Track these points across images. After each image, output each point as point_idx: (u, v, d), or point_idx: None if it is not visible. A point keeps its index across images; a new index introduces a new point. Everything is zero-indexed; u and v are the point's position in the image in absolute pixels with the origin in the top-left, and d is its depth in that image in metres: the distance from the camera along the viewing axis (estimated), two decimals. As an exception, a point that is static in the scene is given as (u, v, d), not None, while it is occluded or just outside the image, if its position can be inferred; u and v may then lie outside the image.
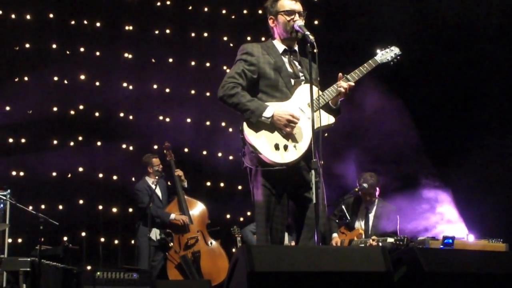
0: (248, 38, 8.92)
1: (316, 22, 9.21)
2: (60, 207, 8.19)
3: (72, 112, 8.52)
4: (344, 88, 3.93)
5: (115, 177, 8.57)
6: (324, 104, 3.95)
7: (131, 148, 8.73)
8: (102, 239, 8.41)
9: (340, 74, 3.98)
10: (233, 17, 9.50)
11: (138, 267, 6.84)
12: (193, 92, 9.21)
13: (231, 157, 8.96)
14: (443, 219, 7.22)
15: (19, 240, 7.78)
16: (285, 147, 3.81)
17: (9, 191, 7.00)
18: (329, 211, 6.89)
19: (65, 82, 8.57)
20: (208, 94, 9.03)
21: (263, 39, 6.06)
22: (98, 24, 8.79)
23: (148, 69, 8.94)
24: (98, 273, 5.94)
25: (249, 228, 7.62)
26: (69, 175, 8.35)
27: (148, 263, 6.87)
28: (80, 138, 8.50)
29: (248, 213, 8.65)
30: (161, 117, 8.99)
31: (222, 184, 9.14)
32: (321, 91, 3.95)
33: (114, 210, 8.51)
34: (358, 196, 6.97)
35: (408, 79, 8.33)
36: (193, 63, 9.29)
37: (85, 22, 8.75)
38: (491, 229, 7.34)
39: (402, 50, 4.23)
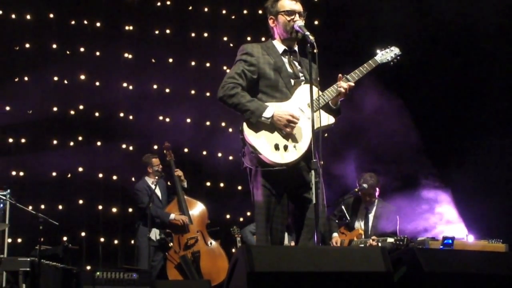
0: (248, 38, 8.92)
1: (316, 22, 9.21)
2: (60, 207, 8.20)
3: (72, 112, 8.53)
4: (344, 88, 3.93)
5: (115, 177, 8.58)
6: (324, 105, 3.95)
7: (131, 148, 8.73)
8: (102, 239, 8.40)
9: (340, 74, 3.98)
10: (233, 17, 9.50)
11: (137, 267, 6.84)
12: (193, 92, 9.20)
13: (231, 157, 8.95)
14: (442, 220, 7.22)
15: (19, 240, 7.79)
16: (285, 147, 3.80)
17: (9, 191, 6.99)
18: (329, 211, 6.88)
19: (65, 82, 8.57)
20: (208, 94, 9.02)
21: (263, 39, 6.07)
22: (98, 24, 8.79)
23: (148, 69, 8.94)
24: (98, 273, 5.95)
25: (249, 228, 7.61)
26: (69, 175, 8.35)
27: (147, 263, 6.86)
28: (80, 138, 8.50)
29: (248, 213, 8.65)
30: (161, 117, 8.99)
31: (222, 184, 9.13)
32: (321, 91, 3.95)
33: (114, 210, 8.52)
34: (358, 196, 6.97)
35: (408, 79, 8.33)
36: (193, 63, 9.28)
37: (85, 22, 8.75)
38: (491, 230, 7.35)
39: (402, 50, 4.22)
